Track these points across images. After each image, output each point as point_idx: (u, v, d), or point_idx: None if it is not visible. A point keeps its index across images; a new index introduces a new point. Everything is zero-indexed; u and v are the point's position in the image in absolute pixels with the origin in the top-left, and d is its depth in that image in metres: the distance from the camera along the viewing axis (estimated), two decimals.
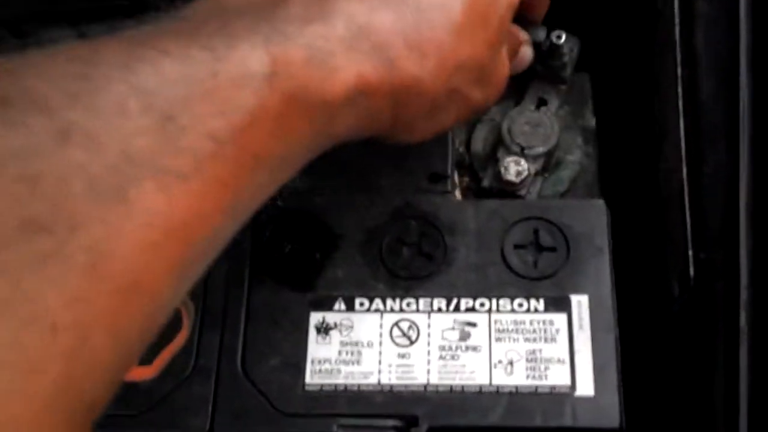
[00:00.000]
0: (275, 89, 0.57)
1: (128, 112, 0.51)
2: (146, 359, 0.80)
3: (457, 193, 0.88)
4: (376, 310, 0.81)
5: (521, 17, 0.85)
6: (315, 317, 0.81)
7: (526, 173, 0.85)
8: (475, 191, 0.90)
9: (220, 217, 0.57)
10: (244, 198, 0.59)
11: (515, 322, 0.80)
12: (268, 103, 0.57)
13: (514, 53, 0.82)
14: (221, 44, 0.56)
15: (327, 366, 0.79)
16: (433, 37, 0.66)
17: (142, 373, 0.80)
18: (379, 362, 0.79)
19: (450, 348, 0.79)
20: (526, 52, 0.85)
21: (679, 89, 0.80)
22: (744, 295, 0.70)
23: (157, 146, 0.52)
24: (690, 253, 0.76)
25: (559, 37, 0.87)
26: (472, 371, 0.78)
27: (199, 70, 0.55)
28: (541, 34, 0.88)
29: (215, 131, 0.54)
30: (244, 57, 0.57)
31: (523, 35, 0.84)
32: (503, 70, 0.76)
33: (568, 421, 0.76)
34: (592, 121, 0.92)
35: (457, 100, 0.72)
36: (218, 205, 0.56)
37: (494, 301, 0.81)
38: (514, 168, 0.86)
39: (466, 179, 0.91)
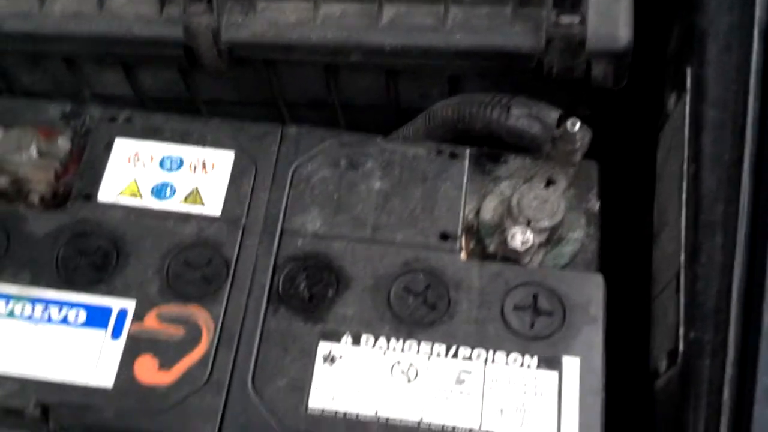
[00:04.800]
0: None
1: None
2: (165, 366, 0.81)
3: (463, 256, 0.89)
4: (380, 348, 0.82)
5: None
6: (323, 347, 0.83)
7: (530, 243, 0.87)
8: (480, 256, 0.91)
9: None
10: None
11: (509, 375, 0.81)
12: None
13: None
14: None
15: (330, 392, 0.80)
16: None
17: (161, 378, 0.81)
18: (379, 395, 0.80)
19: (445, 390, 0.81)
20: None
21: (684, 184, 0.82)
22: (729, 371, 0.71)
23: None
24: (681, 331, 0.77)
25: (574, 125, 0.89)
26: (464, 414, 0.79)
27: None
28: (554, 115, 0.91)
29: None
30: None
31: None
32: None
33: None
34: (596, 206, 0.94)
35: None
36: None
37: (490, 353, 0.82)
38: (520, 237, 0.87)
39: (472, 243, 0.92)
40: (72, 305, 0.85)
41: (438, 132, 1.00)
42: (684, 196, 0.82)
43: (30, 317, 0.85)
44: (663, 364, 0.82)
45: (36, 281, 0.86)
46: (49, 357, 0.83)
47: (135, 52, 1.04)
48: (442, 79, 1.04)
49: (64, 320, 0.84)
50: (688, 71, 0.86)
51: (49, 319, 0.84)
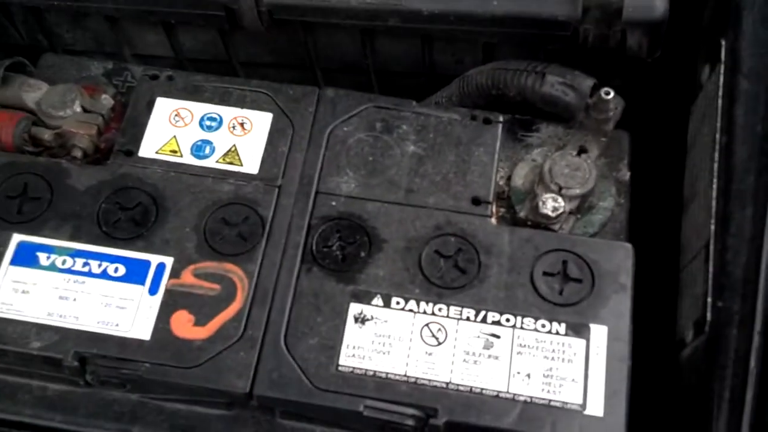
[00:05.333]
0: None
1: None
2: (201, 321, 0.82)
3: (493, 221, 0.89)
4: (410, 310, 0.82)
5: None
6: (354, 308, 0.83)
7: (561, 210, 0.86)
8: (510, 222, 0.90)
9: None
10: None
11: (537, 340, 0.81)
12: None
13: None
14: None
15: (360, 352, 0.81)
16: None
17: (196, 333, 0.82)
18: (408, 356, 0.80)
19: (473, 354, 0.81)
20: None
21: (716, 154, 0.82)
22: (756, 340, 0.71)
23: None
24: (709, 300, 0.77)
25: (608, 93, 0.88)
26: (492, 377, 0.79)
27: None
28: (589, 83, 0.90)
29: None
30: None
31: None
32: None
33: None
34: (626, 176, 0.94)
35: None
36: None
37: (519, 318, 0.82)
38: (552, 203, 0.87)
39: (502, 210, 0.92)
40: (111, 259, 0.85)
41: (472, 98, 0.99)
42: (715, 166, 0.82)
43: (70, 270, 0.85)
44: (690, 334, 0.82)
45: (77, 235, 0.87)
46: (88, 309, 0.83)
47: (176, 11, 1.03)
48: (476, 47, 1.03)
49: (104, 274, 0.85)
50: (723, 43, 0.85)
51: (89, 273, 0.85)
